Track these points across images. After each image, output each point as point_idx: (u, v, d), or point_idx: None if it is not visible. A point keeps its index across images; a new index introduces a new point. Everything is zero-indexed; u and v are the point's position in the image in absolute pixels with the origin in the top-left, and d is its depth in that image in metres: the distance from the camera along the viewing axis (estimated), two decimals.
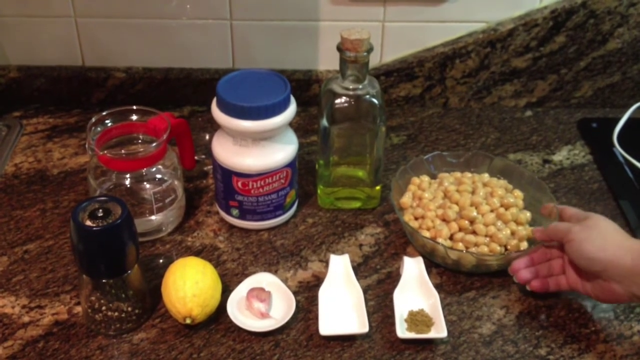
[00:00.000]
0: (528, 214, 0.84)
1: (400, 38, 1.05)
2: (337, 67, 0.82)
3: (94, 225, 0.66)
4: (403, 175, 0.89)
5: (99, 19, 1.03)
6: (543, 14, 1.02)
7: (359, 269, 0.82)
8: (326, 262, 0.82)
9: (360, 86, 0.82)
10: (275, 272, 0.81)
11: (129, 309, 0.73)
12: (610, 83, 1.09)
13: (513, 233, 0.81)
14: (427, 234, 0.81)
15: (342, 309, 0.76)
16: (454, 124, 1.08)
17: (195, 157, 0.93)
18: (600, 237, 0.70)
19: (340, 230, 0.87)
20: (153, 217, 0.83)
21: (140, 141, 0.84)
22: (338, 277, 0.79)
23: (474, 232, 0.81)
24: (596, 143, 1.04)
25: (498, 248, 0.80)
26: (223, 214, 0.87)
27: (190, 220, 0.88)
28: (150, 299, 0.76)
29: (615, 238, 0.70)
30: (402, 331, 0.73)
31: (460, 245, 0.80)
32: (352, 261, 0.81)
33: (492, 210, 0.82)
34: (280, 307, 0.76)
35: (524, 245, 0.80)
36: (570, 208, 0.79)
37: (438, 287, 0.78)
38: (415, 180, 0.89)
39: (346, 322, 0.74)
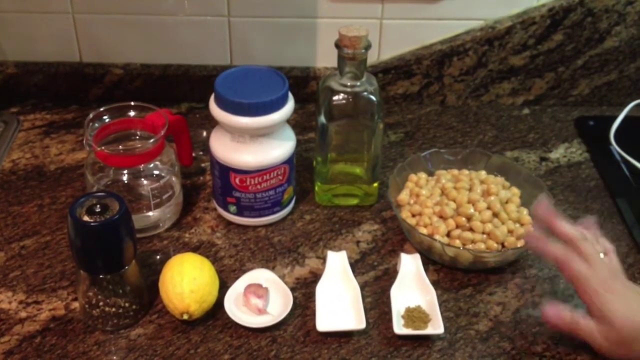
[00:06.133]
0: (525, 212, 0.84)
1: (398, 35, 1.05)
2: (335, 64, 0.82)
3: (92, 220, 0.66)
4: (400, 173, 0.89)
5: (96, 15, 1.03)
6: (540, 12, 1.02)
7: (356, 266, 0.82)
8: (323, 259, 0.82)
9: (358, 83, 0.82)
10: (272, 269, 0.81)
11: (127, 304, 0.73)
12: (607, 81, 1.10)
13: (510, 230, 0.81)
14: (424, 230, 0.81)
15: (339, 305, 0.76)
16: (452, 122, 1.08)
17: (193, 154, 0.93)
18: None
19: (338, 227, 0.87)
20: (150, 213, 0.83)
21: (137, 137, 0.84)
22: (335, 274, 0.79)
23: (471, 229, 0.81)
24: (593, 141, 1.04)
25: (495, 245, 0.80)
26: (220, 210, 0.87)
27: (187, 217, 0.88)
28: (148, 294, 0.76)
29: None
30: (399, 327, 0.73)
31: (458, 242, 0.80)
32: (349, 258, 0.81)
33: (489, 208, 0.83)
34: (278, 303, 0.76)
35: (521, 242, 0.80)
36: (563, 225, 0.69)
37: (435, 283, 0.78)
38: (413, 177, 0.89)
39: (343, 318, 0.74)
